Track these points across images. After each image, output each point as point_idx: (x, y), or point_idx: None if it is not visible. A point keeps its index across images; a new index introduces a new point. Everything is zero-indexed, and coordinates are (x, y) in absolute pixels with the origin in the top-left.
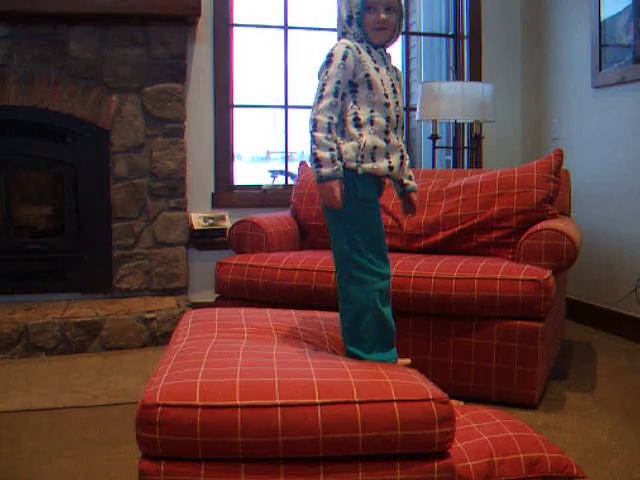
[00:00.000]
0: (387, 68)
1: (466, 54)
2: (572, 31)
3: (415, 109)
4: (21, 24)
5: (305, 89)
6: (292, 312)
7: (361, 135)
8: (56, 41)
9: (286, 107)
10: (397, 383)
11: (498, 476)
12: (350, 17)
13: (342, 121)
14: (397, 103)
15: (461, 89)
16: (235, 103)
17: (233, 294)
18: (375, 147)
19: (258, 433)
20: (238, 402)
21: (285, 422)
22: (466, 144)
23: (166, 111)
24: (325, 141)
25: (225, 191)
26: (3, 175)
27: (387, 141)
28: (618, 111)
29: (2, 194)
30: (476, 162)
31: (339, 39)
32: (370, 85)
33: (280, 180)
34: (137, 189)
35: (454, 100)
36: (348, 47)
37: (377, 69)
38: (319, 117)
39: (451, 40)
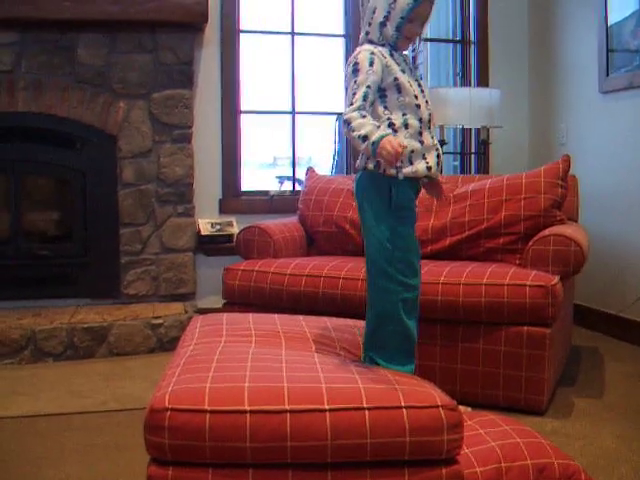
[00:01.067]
0: (410, 69)
1: (473, 60)
2: (579, 36)
3: None
4: (29, 31)
5: (312, 95)
6: (300, 317)
7: None
8: (64, 47)
9: (293, 113)
10: (405, 390)
11: None
12: (386, 19)
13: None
14: (427, 102)
15: (468, 95)
16: (242, 109)
17: (240, 300)
18: (412, 151)
19: (266, 438)
20: (247, 407)
21: (294, 428)
22: (473, 150)
23: (173, 117)
24: (363, 120)
25: (232, 197)
26: (12, 181)
27: (422, 142)
28: (625, 116)
29: (11, 200)
30: (483, 168)
31: (362, 42)
32: (399, 88)
33: (287, 186)
34: (145, 195)
35: (461, 106)
36: (372, 53)
37: (403, 71)
38: (350, 115)
39: (458, 46)
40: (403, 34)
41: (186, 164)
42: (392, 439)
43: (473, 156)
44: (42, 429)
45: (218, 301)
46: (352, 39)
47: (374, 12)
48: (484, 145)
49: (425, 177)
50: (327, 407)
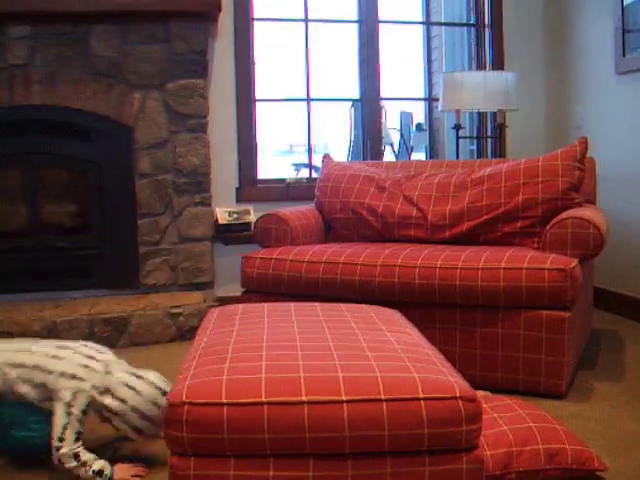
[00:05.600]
0: None
1: (488, 43)
2: (595, 17)
3: (437, 99)
4: (42, 23)
5: (327, 82)
6: (316, 305)
7: None
8: (78, 40)
9: (308, 100)
10: (424, 379)
11: (516, 466)
12: None
13: None
14: None
15: (483, 78)
16: (257, 97)
17: (259, 288)
18: None
19: (285, 430)
20: (264, 399)
21: (311, 419)
22: (489, 133)
23: (189, 107)
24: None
25: (249, 185)
26: (28, 174)
27: None
28: None
29: (28, 193)
30: (500, 151)
31: None
32: None
33: (304, 173)
34: (162, 185)
35: (477, 90)
36: None
37: None
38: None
39: (472, 29)
40: None
41: (202, 153)
42: (410, 430)
43: (489, 140)
44: None
45: (237, 289)
46: (366, 25)
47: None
48: (500, 129)
49: None
50: (344, 398)
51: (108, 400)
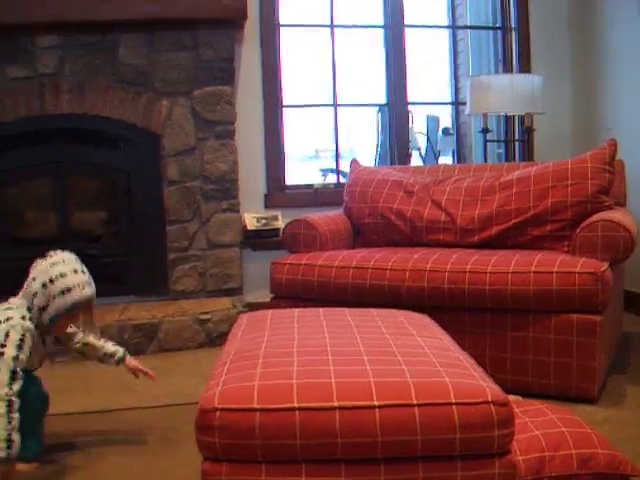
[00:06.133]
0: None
1: (514, 46)
2: (621, 18)
3: (464, 103)
4: (71, 33)
5: (353, 87)
6: (346, 310)
7: None
8: (106, 48)
9: (335, 105)
10: (456, 383)
11: (549, 471)
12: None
13: None
14: None
15: (510, 81)
16: (284, 103)
17: (288, 293)
18: None
19: (316, 435)
20: (296, 405)
21: (343, 425)
22: (517, 137)
23: (216, 114)
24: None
25: (277, 191)
26: (58, 182)
27: None
28: None
29: (57, 201)
30: (527, 155)
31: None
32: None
33: (331, 178)
34: (190, 192)
35: (504, 93)
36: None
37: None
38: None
39: (499, 32)
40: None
41: (230, 160)
42: (442, 436)
43: (517, 143)
44: (95, 425)
45: (265, 295)
46: (391, 29)
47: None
48: (528, 132)
49: None
50: (376, 404)
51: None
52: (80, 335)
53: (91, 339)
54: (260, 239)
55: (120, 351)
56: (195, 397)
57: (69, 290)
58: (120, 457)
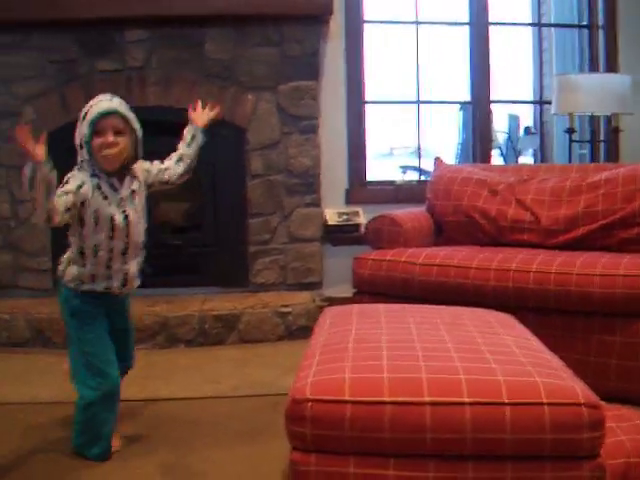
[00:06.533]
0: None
1: (601, 45)
2: None
3: (548, 102)
4: (159, 28)
5: (435, 84)
6: (432, 307)
7: (84, 265)
8: (192, 43)
9: (418, 102)
10: (547, 383)
11: (635, 478)
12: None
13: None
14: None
15: (598, 81)
16: (367, 99)
17: (370, 289)
18: (94, 274)
19: (406, 430)
20: (386, 398)
21: (433, 420)
22: (602, 137)
23: (300, 108)
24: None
25: (359, 187)
26: None
27: (109, 267)
28: None
29: None
30: (613, 155)
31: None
32: (97, 221)
33: (410, 175)
34: (273, 186)
35: (591, 92)
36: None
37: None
38: None
39: (585, 31)
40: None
41: (313, 155)
42: (532, 435)
43: (602, 144)
44: (177, 413)
45: (344, 290)
46: (477, 27)
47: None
48: (614, 132)
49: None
50: (467, 400)
51: None
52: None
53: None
54: (341, 234)
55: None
56: (275, 388)
57: (87, 112)
58: (208, 449)
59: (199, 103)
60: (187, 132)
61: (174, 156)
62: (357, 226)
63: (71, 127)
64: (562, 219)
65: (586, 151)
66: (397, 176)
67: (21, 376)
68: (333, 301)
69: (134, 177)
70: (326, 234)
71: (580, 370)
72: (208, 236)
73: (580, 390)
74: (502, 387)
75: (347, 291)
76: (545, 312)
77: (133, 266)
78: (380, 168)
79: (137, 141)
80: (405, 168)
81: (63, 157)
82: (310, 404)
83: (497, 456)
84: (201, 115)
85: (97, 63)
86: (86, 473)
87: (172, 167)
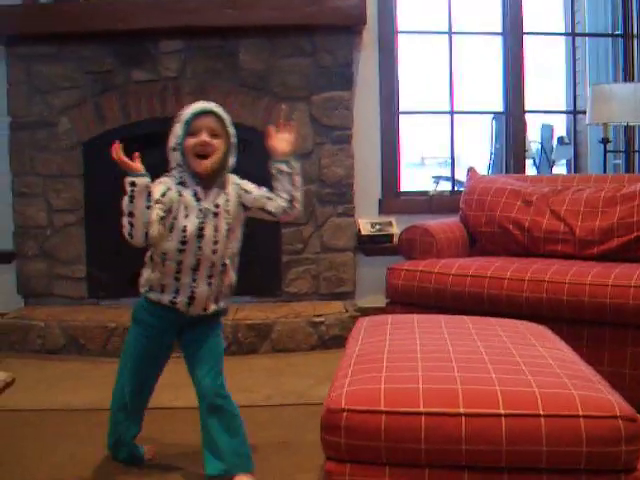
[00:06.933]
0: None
1: (636, 54)
2: None
3: (582, 112)
4: (193, 38)
5: (467, 94)
6: (465, 317)
7: (154, 270)
8: (226, 53)
9: (452, 113)
10: (583, 396)
11: None
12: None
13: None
14: (209, 247)
15: (633, 90)
16: (401, 109)
17: (403, 299)
18: (163, 284)
19: (441, 441)
20: (422, 409)
21: (469, 431)
22: (637, 147)
23: (334, 119)
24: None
25: (392, 197)
26: None
27: (178, 279)
28: None
29: None
30: None
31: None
32: (172, 229)
33: (442, 186)
34: (306, 195)
35: (626, 102)
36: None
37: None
38: None
39: (619, 40)
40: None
41: (346, 165)
42: (568, 448)
43: (637, 154)
44: None
45: (376, 300)
46: (510, 37)
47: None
48: None
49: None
50: (503, 412)
51: None
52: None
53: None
54: (373, 244)
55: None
56: (308, 398)
57: (182, 114)
58: None
59: (272, 129)
60: (272, 170)
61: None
62: (390, 236)
63: (107, 136)
64: (597, 230)
65: (621, 161)
66: (429, 186)
67: (55, 383)
68: (366, 311)
69: (222, 190)
70: (359, 244)
71: (616, 382)
72: (241, 245)
73: (617, 403)
74: (538, 399)
75: (379, 301)
76: (579, 323)
77: (203, 286)
78: (411, 178)
79: (230, 148)
80: (437, 178)
81: (100, 167)
82: (345, 414)
83: (532, 468)
84: (279, 142)
85: (132, 73)
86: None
87: (276, 199)
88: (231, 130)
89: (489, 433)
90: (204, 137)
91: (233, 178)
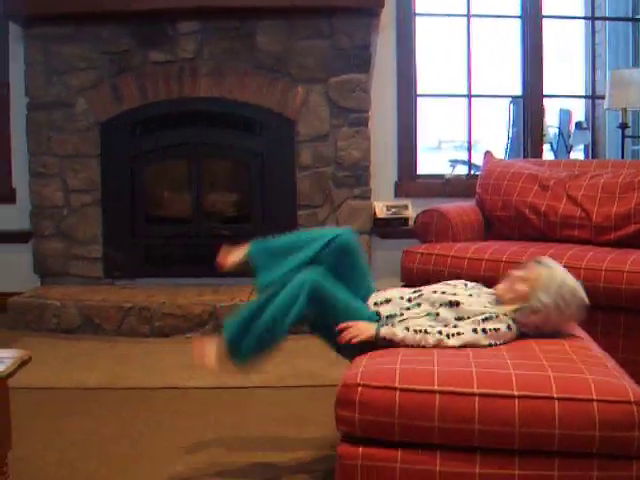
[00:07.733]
0: None
1: None
2: None
3: (601, 97)
4: (211, 19)
5: (485, 77)
6: None
7: None
8: (244, 35)
9: (469, 96)
10: (597, 380)
11: None
12: None
13: None
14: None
15: None
16: (418, 92)
17: (419, 282)
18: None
19: (454, 420)
20: (436, 387)
21: (482, 411)
22: None
23: (351, 101)
24: None
25: (408, 180)
26: (194, 164)
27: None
28: None
29: (193, 182)
30: None
31: None
32: None
33: (459, 170)
34: (322, 178)
35: None
36: None
37: None
38: None
39: (639, 24)
40: None
41: (363, 147)
42: (581, 432)
43: None
44: (227, 400)
45: (392, 283)
46: (529, 20)
47: None
48: None
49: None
50: (516, 393)
51: None
52: None
53: None
54: (389, 227)
55: None
56: (321, 379)
57: None
58: (252, 435)
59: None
60: None
61: None
62: (406, 219)
63: (123, 117)
64: (614, 216)
65: (639, 147)
66: (446, 170)
67: (70, 361)
68: None
69: None
70: (375, 227)
71: (629, 369)
72: (257, 227)
73: (631, 388)
74: (552, 382)
75: (394, 284)
76: (594, 309)
77: None
78: (428, 161)
79: None
80: (454, 162)
81: (116, 148)
82: (360, 389)
83: (545, 452)
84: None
85: (149, 54)
86: (141, 461)
87: None
88: None
89: (502, 414)
90: None
91: None
